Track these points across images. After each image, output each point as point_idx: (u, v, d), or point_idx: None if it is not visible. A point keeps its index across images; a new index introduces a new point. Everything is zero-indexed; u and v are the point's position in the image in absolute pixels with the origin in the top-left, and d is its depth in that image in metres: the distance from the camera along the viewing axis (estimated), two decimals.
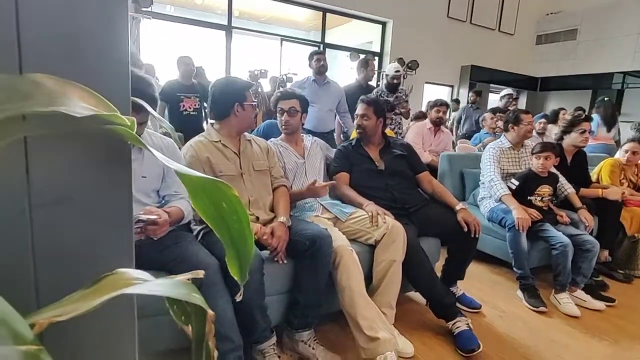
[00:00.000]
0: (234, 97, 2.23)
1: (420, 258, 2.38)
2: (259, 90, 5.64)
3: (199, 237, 2.07)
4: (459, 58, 10.11)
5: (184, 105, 4.92)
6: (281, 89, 3.00)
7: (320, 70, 4.52)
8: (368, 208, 2.47)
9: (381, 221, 2.34)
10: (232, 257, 0.52)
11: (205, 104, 5.03)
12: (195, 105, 5.00)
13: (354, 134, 3.45)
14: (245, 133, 2.38)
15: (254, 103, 2.27)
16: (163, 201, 2.05)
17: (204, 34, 7.47)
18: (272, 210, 2.29)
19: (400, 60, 8.38)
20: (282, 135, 2.77)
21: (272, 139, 2.71)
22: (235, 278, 0.54)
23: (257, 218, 2.16)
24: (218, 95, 2.25)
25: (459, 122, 7.39)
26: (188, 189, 0.48)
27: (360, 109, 2.83)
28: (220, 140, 2.21)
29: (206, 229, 2.11)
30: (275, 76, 6.46)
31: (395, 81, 4.88)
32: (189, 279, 0.49)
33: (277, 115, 2.70)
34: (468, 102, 7.58)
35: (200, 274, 0.52)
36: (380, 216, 2.38)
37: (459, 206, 2.67)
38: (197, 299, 0.46)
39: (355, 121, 2.90)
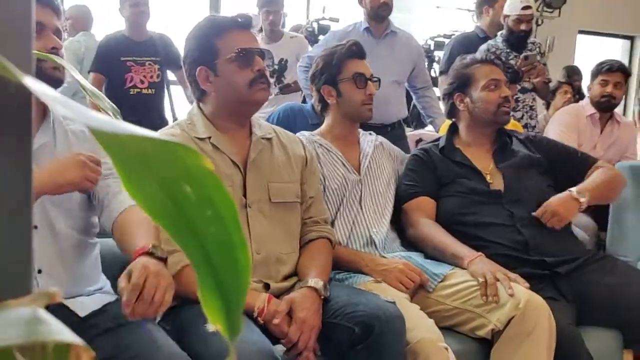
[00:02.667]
0: (198, 54, 1.66)
1: None
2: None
3: (159, 316, 1.56)
4: None
5: (131, 78, 3.54)
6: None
7: (380, 11, 3.27)
8: (474, 267, 1.89)
9: (504, 293, 1.79)
10: (208, 287, 0.36)
11: (177, 72, 3.81)
12: (152, 76, 3.59)
13: (444, 128, 2.69)
14: (261, 121, 1.84)
15: (254, 49, 1.64)
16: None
17: None
18: (295, 274, 1.77)
19: None
20: (330, 121, 2.15)
21: (304, 134, 2.09)
22: (217, 328, 0.37)
23: (266, 286, 1.68)
24: (184, 53, 1.75)
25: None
26: (115, 162, 0.33)
27: (490, 70, 2.20)
28: (209, 137, 1.66)
29: (177, 301, 1.53)
30: (299, 24, 4.90)
31: (522, 28, 3.59)
32: None
33: (342, 84, 2.05)
34: None
35: None
36: (502, 283, 1.81)
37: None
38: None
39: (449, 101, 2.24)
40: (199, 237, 0.35)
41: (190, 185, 0.33)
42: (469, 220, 2.12)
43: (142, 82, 3.56)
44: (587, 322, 1.97)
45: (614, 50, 7.68)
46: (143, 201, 0.35)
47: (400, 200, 2.18)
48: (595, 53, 7.09)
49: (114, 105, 0.85)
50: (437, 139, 2.33)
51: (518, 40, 3.61)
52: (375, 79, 2.11)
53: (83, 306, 1.50)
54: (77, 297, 1.52)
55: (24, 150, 0.42)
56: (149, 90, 3.58)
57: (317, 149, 2.09)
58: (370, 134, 2.28)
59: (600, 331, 2.01)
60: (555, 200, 2.04)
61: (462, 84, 2.19)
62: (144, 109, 3.50)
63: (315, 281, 1.68)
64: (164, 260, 1.37)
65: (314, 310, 1.62)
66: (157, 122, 3.42)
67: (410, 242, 2.16)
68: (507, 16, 3.59)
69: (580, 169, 2.25)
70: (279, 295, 1.69)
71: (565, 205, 2.05)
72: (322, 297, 1.67)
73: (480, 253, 1.95)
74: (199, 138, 1.66)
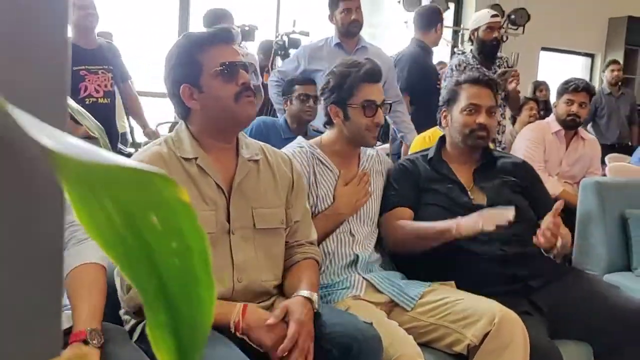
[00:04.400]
0: (181, 72, 1.58)
1: None
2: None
3: (136, 336, 1.54)
4: (604, 5, 7.50)
5: (86, 88, 3.35)
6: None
7: (351, 28, 3.25)
8: (465, 227, 1.85)
9: (479, 308, 1.77)
10: (159, 324, 0.32)
11: (122, 84, 3.69)
12: (106, 85, 3.42)
13: (415, 145, 2.69)
14: (248, 140, 1.75)
15: (237, 63, 1.58)
16: None
17: None
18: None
19: (496, 8, 5.64)
20: (331, 136, 2.09)
21: (303, 144, 2.05)
22: None
23: None
24: (165, 72, 1.65)
25: (591, 119, 5.64)
26: (68, 185, 0.30)
27: (478, 93, 2.13)
28: (196, 158, 1.58)
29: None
30: (268, 40, 4.81)
31: (494, 35, 3.50)
32: None
33: (351, 108, 1.98)
34: (604, 83, 5.75)
35: None
36: (495, 216, 1.82)
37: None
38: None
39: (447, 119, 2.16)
40: (157, 270, 0.32)
41: (158, 216, 0.31)
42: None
43: (97, 91, 3.37)
44: (559, 335, 1.95)
45: (576, 67, 7.74)
46: (94, 226, 0.32)
47: (382, 210, 2.13)
48: (558, 70, 7.16)
49: (99, 124, 0.82)
50: (425, 150, 2.28)
51: (491, 49, 3.58)
52: (387, 103, 2.04)
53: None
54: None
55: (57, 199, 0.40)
56: (105, 99, 3.41)
57: (315, 166, 2.03)
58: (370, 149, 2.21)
59: (571, 344, 2.01)
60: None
61: (449, 100, 2.15)
62: (101, 118, 3.24)
63: (309, 292, 1.61)
64: (99, 348, 1.31)
65: (310, 317, 1.55)
66: (114, 132, 3.33)
67: (391, 256, 2.10)
68: (475, 30, 3.56)
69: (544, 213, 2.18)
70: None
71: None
72: (315, 310, 1.61)
73: (458, 219, 1.91)
74: (185, 158, 1.60)
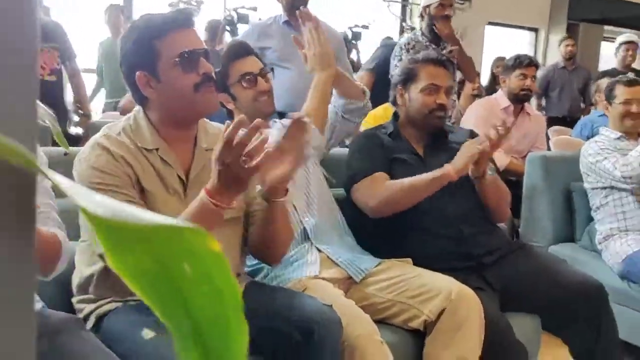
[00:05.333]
0: (137, 58, 1.48)
1: (513, 353, 1.88)
2: None
3: (91, 324, 1.53)
4: None
5: None
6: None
7: (297, 3, 3.04)
8: (459, 163, 1.91)
9: (436, 284, 1.80)
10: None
11: (68, 62, 3.63)
12: (52, 62, 3.39)
13: (367, 121, 2.64)
14: (209, 125, 1.65)
15: (198, 50, 1.47)
16: None
17: None
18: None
19: None
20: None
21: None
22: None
23: None
24: (121, 56, 1.54)
25: (544, 93, 5.68)
26: (103, 239, 0.31)
27: (436, 73, 2.13)
28: (157, 149, 1.51)
29: (110, 307, 1.53)
30: (214, 20, 4.68)
31: (446, 13, 3.45)
32: None
33: (233, 88, 1.96)
34: (562, 58, 5.83)
35: None
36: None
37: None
38: None
39: (398, 95, 2.14)
40: (190, 312, 0.34)
41: (190, 264, 0.33)
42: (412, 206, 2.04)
43: (43, 68, 3.31)
44: (509, 309, 1.99)
45: (521, 41, 7.85)
46: (129, 274, 0.33)
47: (354, 176, 2.09)
48: (503, 44, 7.27)
49: (49, 111, 0.78)
50: (381, 125, 2.26)
51: (439, 25, 3.51)
52: (266, 71, 2.00)
53: None
54: None
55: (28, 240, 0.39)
56: (52, 77, 3.37)
57: None
58: (275, 121, 2.13)
59: (521, 316, 2.05)
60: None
61: (405, 79, 2.13)
62: (49, 95, 3.27)
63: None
64: None
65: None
66: (62, 110, 3.27)
67: (365, 229, 2.06)
68: (427, 6, 3.52)
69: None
70: None
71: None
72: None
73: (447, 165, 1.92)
74: (146, 149, 1.53)
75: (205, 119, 1.66)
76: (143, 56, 1.47)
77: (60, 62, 3.42)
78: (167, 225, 0.31)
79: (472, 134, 2.26)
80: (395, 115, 2.20)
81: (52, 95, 3.30)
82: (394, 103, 2.20)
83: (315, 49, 2.00)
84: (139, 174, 1.48)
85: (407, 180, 1.95)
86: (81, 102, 3.64)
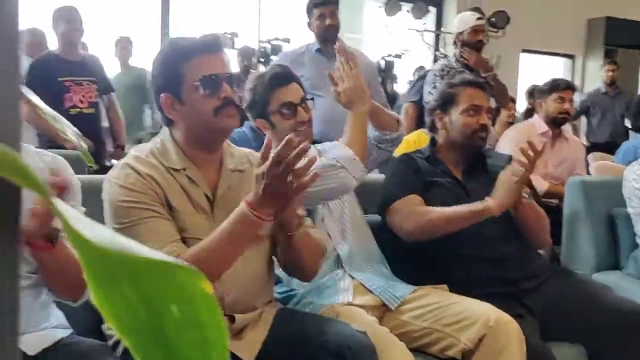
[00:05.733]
0: (163, 81, 1.53)
1: None
2: None
3: (120, 352, 1.49)
4: (583, 6, 7.41)
5: (71, 98, 3.41)
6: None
7: (327, 34, 3.15)
8: (500, 204, 1.90)
9: (473, 311, 1.76)
10: None
11: (105, 96, 3.78)
12: (91, 96, 3.48)
13: (400, 149, 2.55)
14: (234, 149, 1.69)
15: (220, 75, 1.51)
16: None
17: None
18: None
19: (477, 11, 5.22)
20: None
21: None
22: None
23: (232, 319, 1.54)
24: (151, 78, 1.63)
25: (587, 117, 5.75)
26: (88, 269, 0.30)
27: (476, 94, 2.15)
28: (185, 169, 1.55)
29: None
30: (249, 47, 4.72)
31: (479, 38, 3.52)
32: None
33: (273, 116, 1.96)
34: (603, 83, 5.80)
35: None
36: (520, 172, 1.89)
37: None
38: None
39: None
40: (174, 357, 0.33)
41: (180, 307, 0.32)
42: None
43: (81, 101, 3.45)
44: (551, 338, 1.94)
45: (556, 68, 7.81)
46: (112, 312, 0.32)
47: (388, 198, 2.09)
48: (539, 71, 7.24)
49: (76, 129, 0.79)
50: (418, 151, 2.28)
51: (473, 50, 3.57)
52: (309, 98, 2.02)
53: (31, 344, 1.41)
54: (25, 335, 1.42)
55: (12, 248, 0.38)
56: (90, 109, 3.49)
57: None
58: (315, 148, 2.16)
59: (564, 346, 1.99)
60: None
61: (444, 103, 2.15)
62: (88, 128, 3.35)
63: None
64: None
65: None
66: (98, 142, 3.37)
67: (399, 255, 2.05)
68: (460, 33, 3.57)
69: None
70: (244, 327, 1.61)
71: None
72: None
73: (488, 198, 1.91)
74: (174, 169, 1.55)
75: (230, 143, 1.70)
76: (168, 79, 1.51)
77: (98, 96, 3.53)
78: (160, 262, 0.30)
79: (511, 159, 2.24)
80: (432, 140, 2.21)
81: (90, 127, 3.40)
82: (432, 129, 2.21)
83: (348, 83, 2.02)
84: (167, 192, 1.51)
85: (446, 211, 1.95)
86: (117, 134, 3.76)
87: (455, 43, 3.65)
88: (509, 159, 2.21)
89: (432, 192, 2.05)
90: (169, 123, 1.58)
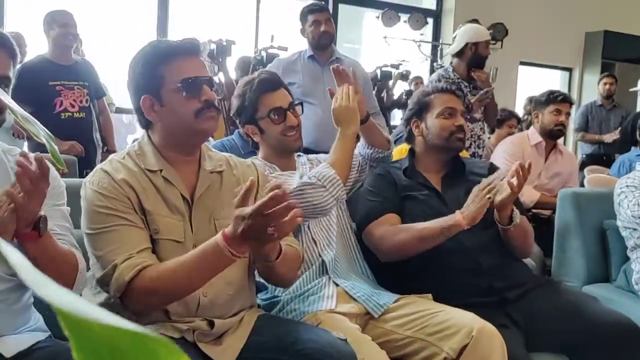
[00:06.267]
0: (142, 82, 1.52)
1: None
2: (217, 77, 4.14)
3: None
4: (581, 19, 7.43)
5: (61, 102, 3.38)
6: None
7: (321, 40, 3.19)
8: (470, 215, 1.87)
9: (457, 320, 1.74)
10: None
11: (96, 100, 3.78)
12: (82, 100, 3.45)
13: (398, 153, 2.63)
14: (212, 152, 1.69)
15: (201, 78, 1.52)
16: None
17: None
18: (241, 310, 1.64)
19: (477, 23, 5.56)
20: (263, 154, 2.06)
21: (255, 160, 1.98)
22: None
23: (211, 323, 1.52)
24: (128, 80, 1.59)
25: (580, 130, 5.73)
26: (72, 336, 0.30)
27: (449, 99, 2.18)
28: (161, 170, 1.54)
29: None
30: (246, 56, 4.68)
31: (488, 52, 3.60)
32: None
33: (262, 122, 1.96)
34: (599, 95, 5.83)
35: None
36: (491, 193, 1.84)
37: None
38: None
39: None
40: None
41: None
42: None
43: (72, 105, 3.45)
44: (535, 348, 1.93)
45: (554, 81, 7.82)
46: None
47: (365, 218, 2.10)
48: (536, 83, 7.21)
49: (47, 131, 0.78)
50: (397, 162, 2.29)
51: (481, 62, 3.63)
52: (297, 103, 2.02)
53: (8, 346, 1.39)
54: (2, 337, 1.42)
55: None
56: (80, 113, 3.47)
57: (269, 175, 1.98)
58: (299, 155, 2.19)
59: (548, 357, 1.98)
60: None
61: (419, 110, 2.17)
62: (76, 133, 3.41)
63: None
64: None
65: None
66: (90, 146, 3.39)
67: (383, 264, 2.04)
68: (475, 44, 3.57)
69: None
70: (223, 332, 1.59)
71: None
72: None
73: (459, 211, 1.91)
74: (150, 170, 1.57)
75: (208, 146, 1.69)
76: (148, 81, 1.51)
77: (89, 100, 3.52)
78: (130, 331, 0.30)
79: (492, 167, 2.25)
80: (411, 151, 2.22)
81: (80, 131, 3.42)
82: (409, 139, 2.22)
83: (342, 103, 2.03)
84: (141, 196, 1.51)
85: (417, 228, 1.95)
86: (106, 138, 3.77)
87: (461, 52, 3.63)
88: (490, 166, 2.23)
89: (408, 206, 2.07)
90: (147, 125, 1.58)
